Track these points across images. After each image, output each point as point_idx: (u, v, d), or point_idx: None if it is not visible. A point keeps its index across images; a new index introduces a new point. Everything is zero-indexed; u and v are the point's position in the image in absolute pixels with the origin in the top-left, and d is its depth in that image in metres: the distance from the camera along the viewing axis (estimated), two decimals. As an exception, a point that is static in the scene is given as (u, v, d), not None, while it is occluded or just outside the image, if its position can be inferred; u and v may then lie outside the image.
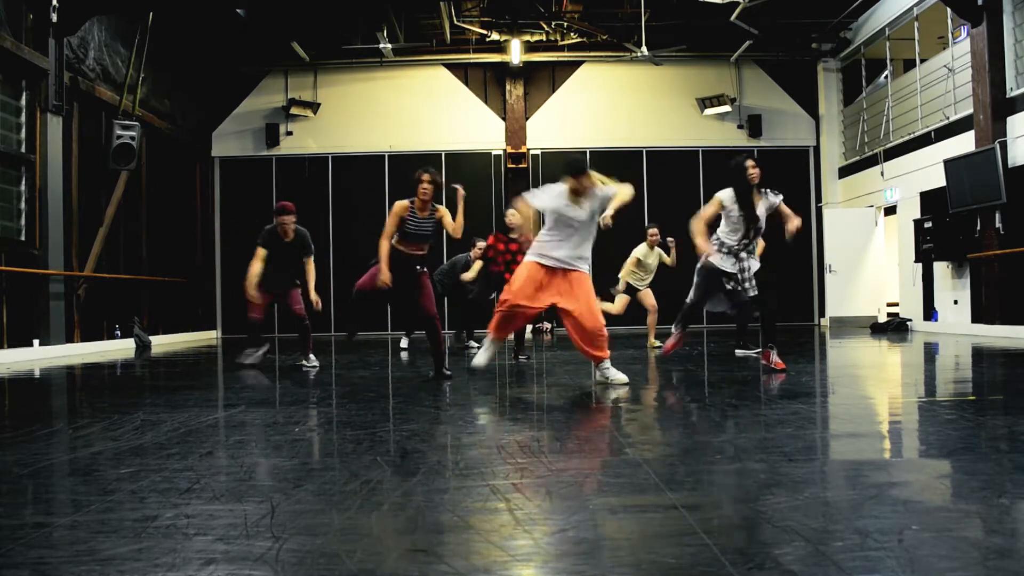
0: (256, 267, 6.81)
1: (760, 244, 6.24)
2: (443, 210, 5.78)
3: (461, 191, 5.81)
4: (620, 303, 9.07)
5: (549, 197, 5.23)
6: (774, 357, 5.84)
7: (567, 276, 5.14)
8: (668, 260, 9.05)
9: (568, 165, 5.20)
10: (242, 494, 2.42)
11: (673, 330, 6.35)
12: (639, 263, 8.97)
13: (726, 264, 5.82)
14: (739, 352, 7.51)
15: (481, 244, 8.70)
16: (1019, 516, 2.15)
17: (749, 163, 5.78)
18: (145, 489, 2.50)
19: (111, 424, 3.92)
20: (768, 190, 5.88)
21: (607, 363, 5.19)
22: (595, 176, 5.17)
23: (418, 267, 5.76)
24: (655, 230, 8.95)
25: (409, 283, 5.74)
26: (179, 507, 2.27)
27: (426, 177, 5.67)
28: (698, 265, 6.08)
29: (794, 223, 5.76)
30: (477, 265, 8.79)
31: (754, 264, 5.86)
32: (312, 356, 7.15)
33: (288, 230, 6.88)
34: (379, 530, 2.04)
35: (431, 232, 5.77)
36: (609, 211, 5.10)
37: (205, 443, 3.36)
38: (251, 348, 7.30)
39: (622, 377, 5.19)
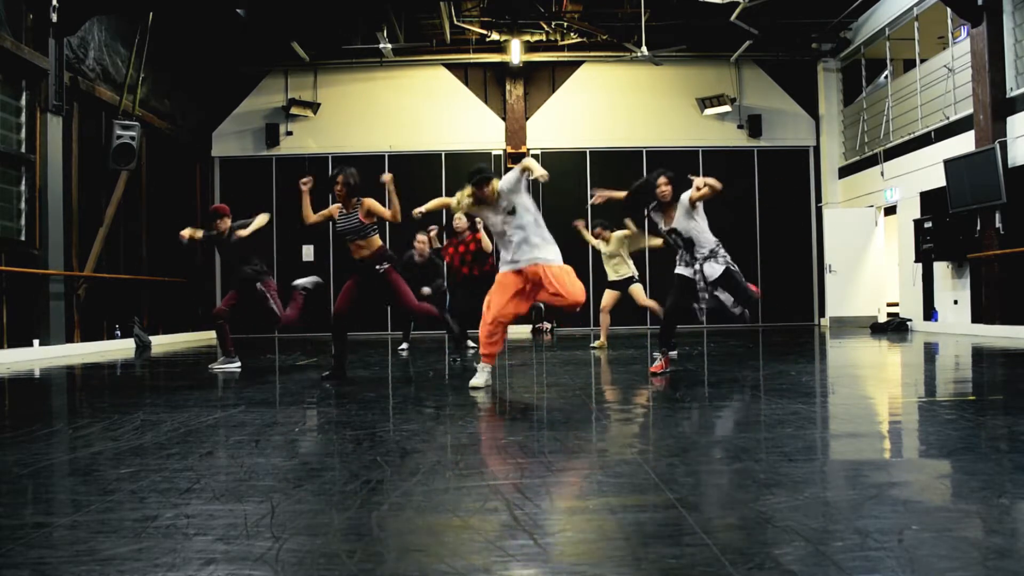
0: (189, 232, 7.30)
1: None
2: (368, 201, 5.85)
3: (385, 178, 5.88)
4: (608, 299, 8.99)
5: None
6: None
7: (533, 271, 5.03)
8: (626, 232, 8.81)
9: (470, 176, 5.12)
10: (242, 494, 2.42)
11: (658, 354, 6.02)
12: (604, 257, 8.96)
13: (687, 272, 5.82)
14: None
15: (422, 238, 9.07)
16: (1019, 516, 2.15)
17: (661, 180, 5.74)
18: (145, 489, 2.50)
19: (111, 424, 3.92)
20: (682, 196, 5.71)
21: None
22: (495, 184, 5.08)
23: (377, 267, 5.82)
24: (598, 229, 8.93)
25: (379, 288, 5.88)
26: (179, 507, 2.27)
27: (340, 179, 5.83)
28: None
29: (698, 183, 5.62)
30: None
31: (712, 270, 5.69)
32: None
33: (223, 228, 7.09)
34: (379, 530, 2.04)
35: (361, 226, 5.81)
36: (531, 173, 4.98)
37: (205, 443, 3.36)
38: (224, 356, 7.07)
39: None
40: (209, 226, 7.25)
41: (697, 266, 5.72)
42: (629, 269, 8.87)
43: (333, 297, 14.61)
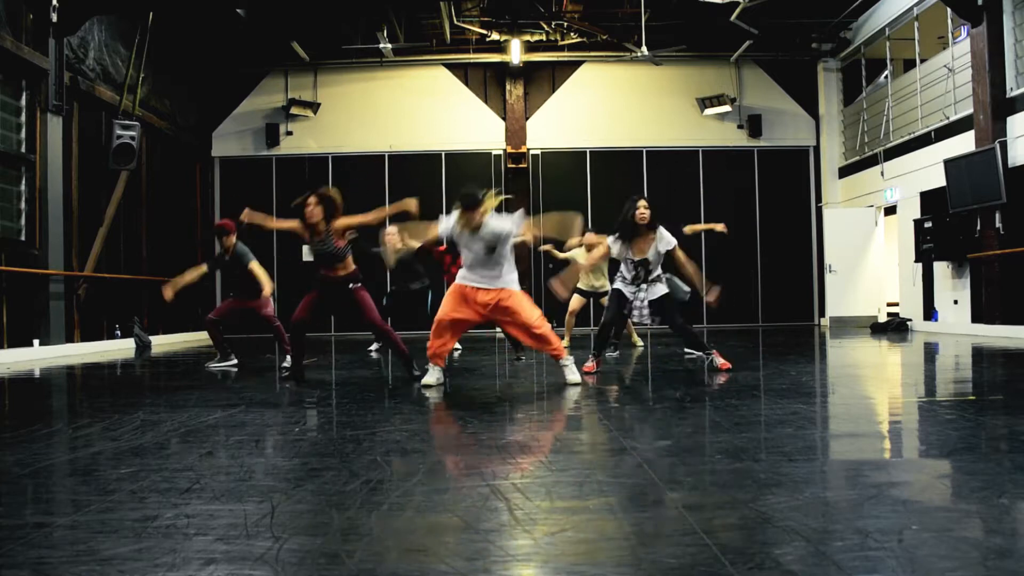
0: (187, 277, 7.34)
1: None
2: (337, 224, 5.65)
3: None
4: (574, 303, 8.89)
5: (446, 226, 5.32)
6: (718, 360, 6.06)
7: (490, 294, 5.23)
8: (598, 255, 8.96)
9: (461, 197, 5.20)
10: (242, 494, 2.42)
11: (591, 356, 6.19)
12: (592, 271, 8.79)
13: (627, 290, 6.02)
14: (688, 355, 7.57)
15: (391, 229, 8.63)
16: (1019, 516, 2.15)
17: (640, 203, 5.83)
18: (145, 489, 2.50)
19: (111, 424, 3.92)
20: (663, 230, 5.88)
21: (565, 360, 5.38)
22: (488, 206, 5.17)
23: (351, 285, 5.76)
24: (590, 235, 8.85)
25: (344, 302, 5.82)
26: (179, 507, 2.27)
27: (312, 200, 5.63)
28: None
29: (689, 269, 5.96)
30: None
31: (656, 291, 5.93)
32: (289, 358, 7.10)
33: (227, 245, 7.27)
34: (379, 530, 2.04)
35: (336, 250, 5.66)
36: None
37: (205, 443, 3.36)
38: (219, 357, 7.43)
39: (576, 377, 5.35)
40: (217, 250, 7.39)
41: (643, 285, 5.93)
42: (606, 282, 8.77)
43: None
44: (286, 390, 5.51)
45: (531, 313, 5.28)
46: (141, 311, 12.09)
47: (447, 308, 5.32)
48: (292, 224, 5.79)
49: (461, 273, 5.37)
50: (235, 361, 7.39)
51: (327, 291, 5.81)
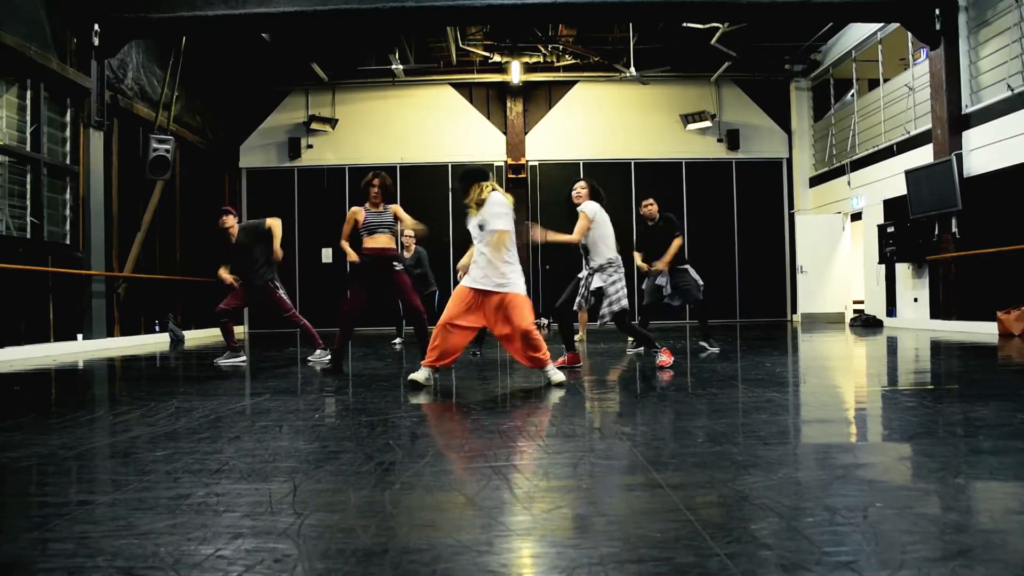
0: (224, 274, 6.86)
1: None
2: (395, 207, 5.97)
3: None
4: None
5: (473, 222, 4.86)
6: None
7: (493, 299, 4.65)
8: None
9: (462, 177, 4.77)
10: (267, 474, 2.42)
11: (658, 348, 5.86)
12: None
13: (582, 275, 5.77)
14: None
15: (409, 233, 8.41)
16: (973, 495, 2.14)
17: (577, 185, 5.77)
18: (179, 470, 2.50)
19: (148, 411, 3.92)
20: (586, 208, 5.62)
21: (549, 367, 4.79)
22: (487, 187, 4.69)
23: (395, 264, 5.83)
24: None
25: (388, 282, 5.78)
26: (210, 486, 2.27)
27: (376, 181, 5.88)
28: None
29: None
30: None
31: (594, 281, 5.56)
32: (319, 351, 6.71)
33: (231, 232, 6.84)
34: (391, 507, 2.04)
35: (394, 221, 5.90)
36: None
37: (233, 428, 3.36)
38: (230, 351, 6.83)
39: (559, 376, 4.78)
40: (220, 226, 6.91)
41: (585, 273, 5.72)
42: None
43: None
44: (307, 380, 5.51)
45: (528, 317, 4.65)
46: (175, 308, 12.09)
47: (450, 311, 4.67)
48: (348, 224, 5.93)
49: (470, 275, 4.70)
50: (244, 357, 6.92)
51: (374, 271, 5.77)
